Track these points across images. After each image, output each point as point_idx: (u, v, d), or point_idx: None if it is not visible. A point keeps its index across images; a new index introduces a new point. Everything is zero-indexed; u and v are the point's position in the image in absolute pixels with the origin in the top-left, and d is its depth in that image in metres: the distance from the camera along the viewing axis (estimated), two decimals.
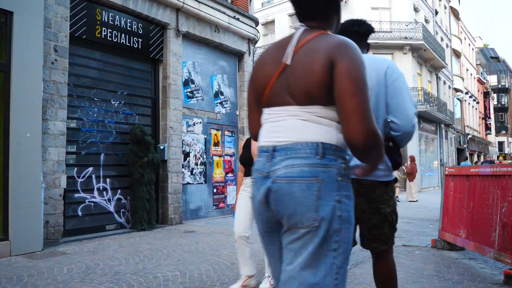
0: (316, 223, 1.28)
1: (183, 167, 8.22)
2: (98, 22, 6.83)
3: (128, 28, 7.38)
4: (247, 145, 3.59)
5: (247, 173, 3.52)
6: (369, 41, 2.48)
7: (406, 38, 20.81)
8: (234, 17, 9.61)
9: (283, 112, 1.38)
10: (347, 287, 1.39)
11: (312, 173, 1.29)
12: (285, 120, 1.37)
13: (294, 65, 1.37)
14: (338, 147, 1.34)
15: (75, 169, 6.47)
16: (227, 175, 9.44)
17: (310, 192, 1.28)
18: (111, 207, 6.97)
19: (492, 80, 47.68)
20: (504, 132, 49.83)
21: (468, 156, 33.65)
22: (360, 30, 2.26)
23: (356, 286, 3.57)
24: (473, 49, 41.72)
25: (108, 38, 6.99)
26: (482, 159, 38.24)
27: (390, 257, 2.14)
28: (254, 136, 1.58)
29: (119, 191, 7.13)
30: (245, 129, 9.94)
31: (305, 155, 1.31)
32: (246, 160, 3.51)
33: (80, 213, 6.47)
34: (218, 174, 9.14)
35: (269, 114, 1.44)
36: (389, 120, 2.01)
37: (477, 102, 39.61)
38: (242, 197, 3.54)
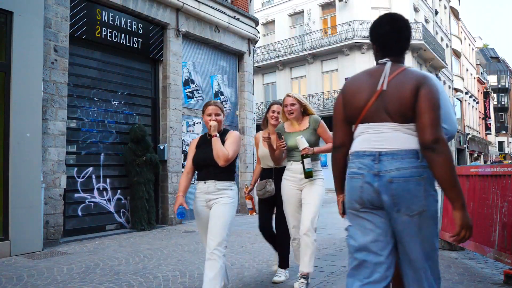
0: (425, 207, 1.77)
1: (183, 167, 8.22)
2: (98, 22, 6.83)
3: (128, 28, 7.38)
4: (203, 144, 3.11)
5: (200, 177, 3.07)
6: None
7: None
8: (234, 17, 9.61)
9: (383, 127, 1.83)
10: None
11: (418, 173, 1.76)
12: (387, 133, 1.82)
13: (389, 91, 1.81)
14: None
15: (75, 169, 6.47)
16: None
17: (420, 187, 1.76)
18: (111, 207, 6.97)
19: (492, 80, 47.67)
20: (504, 132, 49.82)
21: (469, 156, 33.67)
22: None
23: None
24: (473, 49, 41.71)
25: (108, 38, 6.99)
26: (482, 159, 38.25)
27: None
28: (339, 145, 2.01)
29: (119, 191, 7.13)
30: (245, 129, 9.94)
31: (409, 159, 1.77)
32: (204, 161, 3.02)
33: (80, 213, 6.47)
34: None
35: (367, 128, 1.87)
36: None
37: (477, 102, 39.60)
38: (198, 209, 3.07)
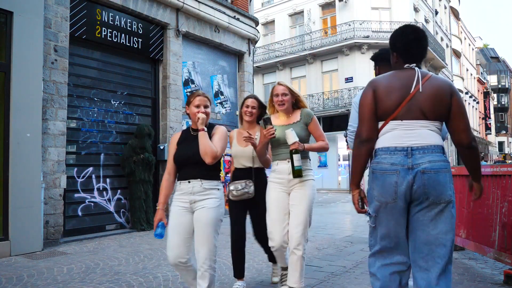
0: (451, 198, 1.99)
1: None
2: (98, 22, 6.83)
3: (128, 28, 7.38)
4: (187, 139, 2.80)
5: (183, 176, 2.74)
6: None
7: None
8: (234, 17, 9.61)
9: (416, 123, 2.02)
10: None
11: (445, 166, 1.99)
12: (419, 129, 2.02)
13: (425, 92, 2.02)
14: None
15: (75, 169, 6.47)
16: (227, 175, 9.43)
17: (447, 178, 1.98)
18: (111, 207, 6.96)
19: (492, 80, 47.67)
20: (504, 132, 49.80)
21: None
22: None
23: (356, 287, 3.57)
24: (473, 49, 41.71)
25: (108, 38, 6.99)
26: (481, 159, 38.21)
27: None
28: (366, 138, 2.10)
29: (119, 191, 7.13)
30: None
31: (437, 153, 2.00)
32: (189, 158, 2.71)
33: (80, 213, 6.47)
34: None
35: (398, 125, 2.04)
36: None
37: (477, 102, 39.60)
38: (176, 211, 2.75)
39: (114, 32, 7.09)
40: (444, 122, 2.10)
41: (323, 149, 3.20)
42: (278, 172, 3.15)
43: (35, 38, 5.46)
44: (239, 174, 3.45)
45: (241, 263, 3.44)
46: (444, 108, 2.02)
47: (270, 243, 3.13)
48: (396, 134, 2.04)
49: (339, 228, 7.34)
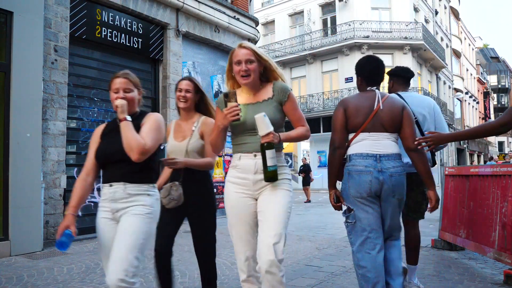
0: (405, 195, 2.59)
1: None
2: (98, 22, 6.83)
3: (128, 28, 7.38)
4: (112, 132, 2.25)
5: (105, 178, 2.20)
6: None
7: (406, 38, 20.83)
8: (234, 17, 9.61)
9: (380, 135, 2.53)
10: None
11: (404, 170, 2.56)
12: (383, 140, 2.53)
13: (384, 109, 2.53)
14: None
15: (75, 169, 6.47)
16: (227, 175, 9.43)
17: (405, 180, 2.55)
18: None
19: (492, 80, 47.67)
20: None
21: (469, 156, 33.66)
22: (409, 76, 3.50)
23: (356, 286, 3.57)
24: (473, 49, 41.72)
25: (108, 38, 6.99)
26: (482, 159, 38.23)
27: (418, 226, 3.41)
28: (339, 145, 2.57)
29: None
30: None
31: (397, 160, 2.53)
32: (112, 155, 2.16)
33: (80, 213, 6.46)
34: (218, 174, 9.14)
35: (367, 136, 2.53)
36: None
37: (477, 102, 39.60)
38: (102, 223, 2.20)
39: (114, 32, 7.09)
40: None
41: (303, 138, 2.33)
42: (241, 169, 2.27)
43: (35, 38, 5.46)
44: (173, 175, 2.84)
45: (168, 282, 2.85)
46: (398, 121, 2.55)
47: (240, 266, 2.33)
48: (366, 143, 2.53)
49: (339, 228, 7.33)
